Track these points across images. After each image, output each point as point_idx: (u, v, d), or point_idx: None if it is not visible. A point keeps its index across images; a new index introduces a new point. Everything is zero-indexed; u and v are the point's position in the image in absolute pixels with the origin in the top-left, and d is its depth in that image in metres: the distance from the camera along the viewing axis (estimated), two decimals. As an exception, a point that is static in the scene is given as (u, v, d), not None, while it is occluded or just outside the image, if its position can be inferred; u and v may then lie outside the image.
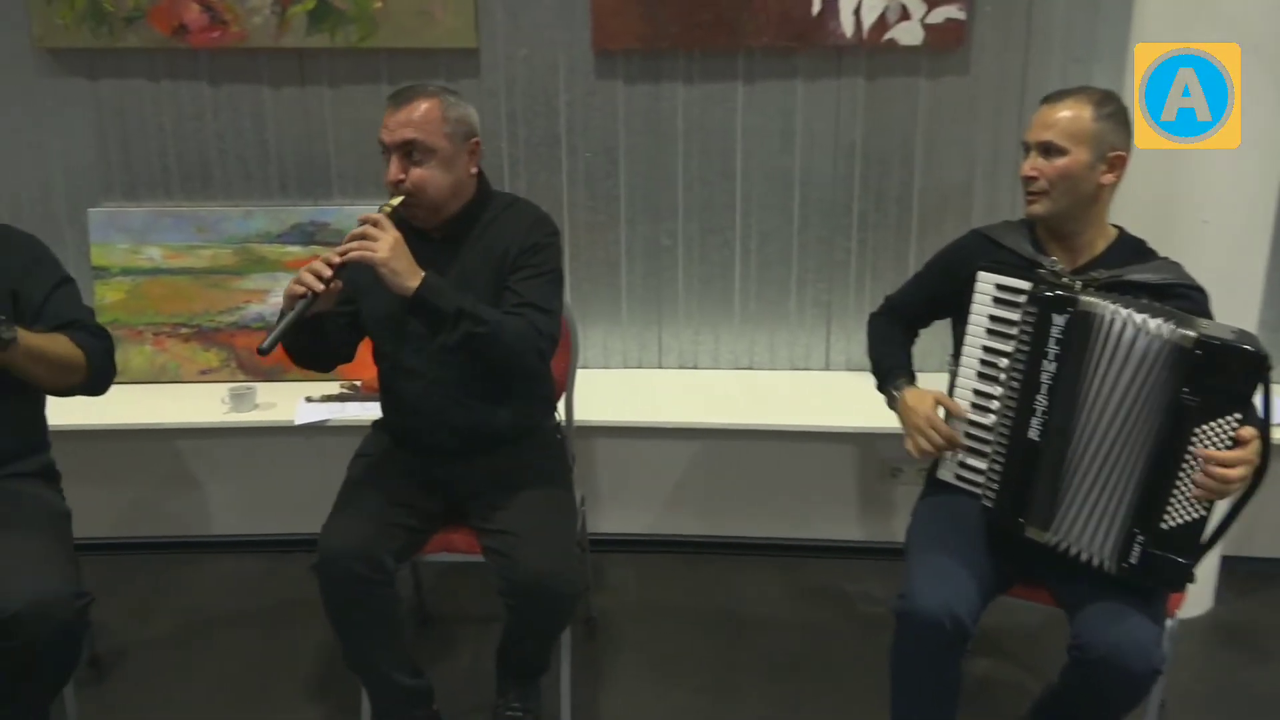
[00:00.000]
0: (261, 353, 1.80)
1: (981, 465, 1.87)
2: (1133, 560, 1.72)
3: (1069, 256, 1.93)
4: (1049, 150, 1.85)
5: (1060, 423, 1.76)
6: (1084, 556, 1.78)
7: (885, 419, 2.06)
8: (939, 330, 2.14)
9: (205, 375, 3.05)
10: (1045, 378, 1.76)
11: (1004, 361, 1.82)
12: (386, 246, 1.84)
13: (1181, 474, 1.67)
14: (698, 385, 3.06)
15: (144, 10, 2.87)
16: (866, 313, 2.24)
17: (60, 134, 3.02)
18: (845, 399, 2.91)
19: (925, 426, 1.90)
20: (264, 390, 2.90)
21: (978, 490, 1.88)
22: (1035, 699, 2.03)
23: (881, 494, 2.95)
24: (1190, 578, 1.72)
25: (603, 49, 2.90)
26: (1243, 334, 1.66)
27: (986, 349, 1.86)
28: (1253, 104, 2.28)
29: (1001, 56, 2.86)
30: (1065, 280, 1.81)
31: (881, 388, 2.07)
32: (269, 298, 3.02)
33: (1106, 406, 1.73)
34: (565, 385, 2.43)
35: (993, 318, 1.84)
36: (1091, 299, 1.72)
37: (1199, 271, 1.91)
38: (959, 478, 1.91)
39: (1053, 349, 1.74)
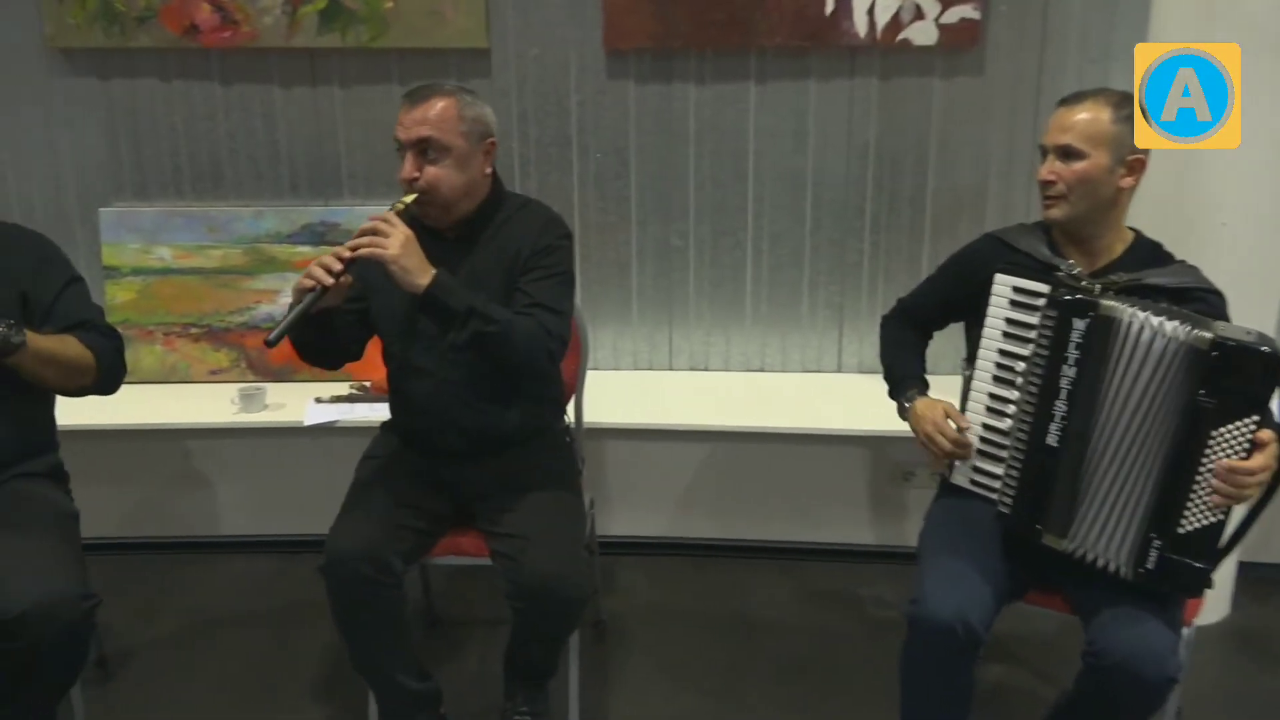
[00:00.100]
0: (268, 344, 1.80)
1: (997, 470, 1.85)
2: (1149, 566, 1.70)
3: (1086, 260, 1.91)
4: (1067, 154, 1.83)
5: (1079, 428, 1.74)
6: (1100, 563, 1.76)
7: (897, 422, 2.04)
8: (952, 333, 2.12)
9: (215, 375, 3.04)
10: (1065, 383, 1.73)
11: (1021, 365, 1.80)
12: (397, 243, 1.83)
13: (1199, 478, 1.65)
14: (708, 387, 3.04)
15: (155, 10, 2.87)
16: (879, 315, 2.22)
17: (72, 133, 3.02)
18: (857, 402, 2.88)
19: (935, 433, 1.88)
20: (273, 391, 2.89)
21: (993, 496, 1.86)
22: (1049, 706, 2.00)
23: (893, 497, 2.93)
24: (1208, 583, 1.70)
25: (614, 48, 2.89)
26: (1261, 336, 1.63)
27: (1003, 352, 1.83)
28: (1272, 105, 2.25)
29: (1016, 57, 2.84)
30: (1084, 284, 1.78)
31: (893, 396, 2.05)
32: (279, 298, 3.01)
33: (1124, 411, 1.70)
34: (575, 387, 2.42)
35: (1009, 321, 1.82)
36: (1112, 303, 1.70)
37: (1217, 274, 1.89)
38: (973, 482, 1.89)
39: (1073, 354, 1.72)
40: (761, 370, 3.14)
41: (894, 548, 2.93)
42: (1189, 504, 1.66)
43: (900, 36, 2.80)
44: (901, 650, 1.82)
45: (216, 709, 2.35)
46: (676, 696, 2.39)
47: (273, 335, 1.79)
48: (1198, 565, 1.68)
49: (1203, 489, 1.65)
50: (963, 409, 1.92)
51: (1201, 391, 1.61)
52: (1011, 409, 1.82)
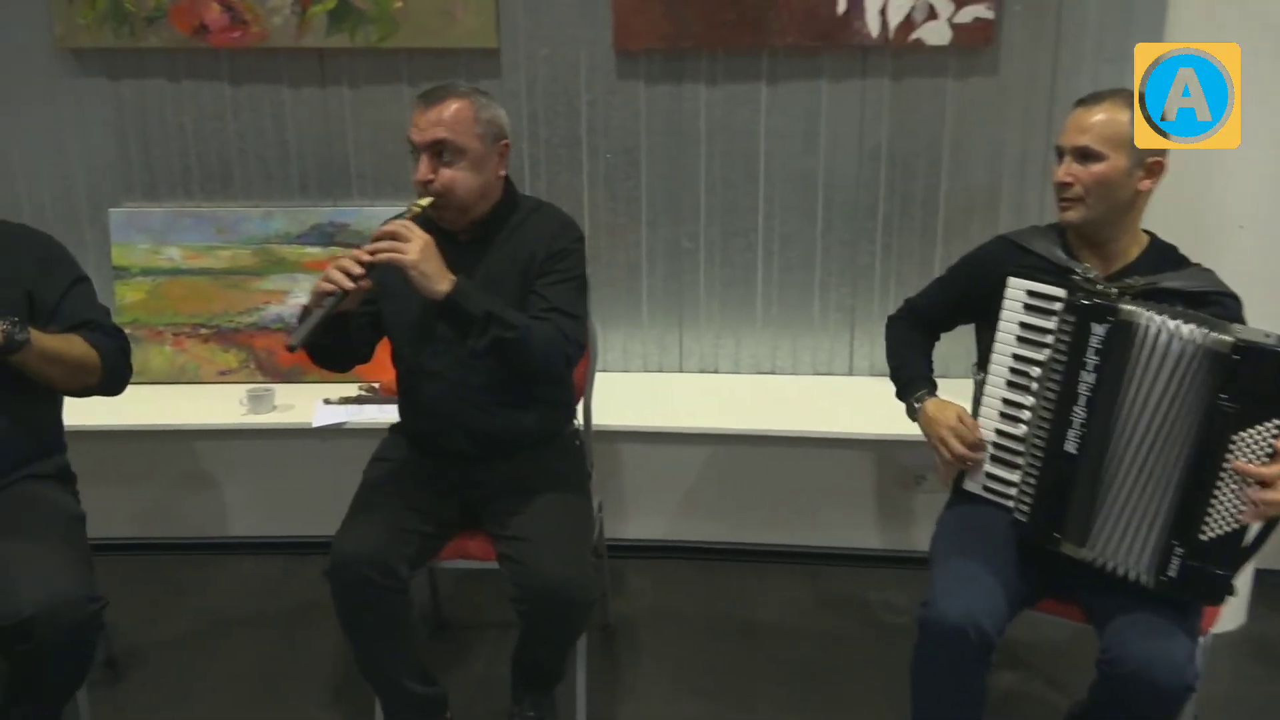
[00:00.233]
0: (290, 349, 1.80)
1: (1012, 477, 1.83)
2: (1171, 573, 1.67)
3: (1101, 263, 1.88)
4: (1085, 155, 1.80)
5: (1099, 435, 1.71)
6: (1120, 571, 1.73)
7: (908, 426, 2.02)
8: (964, 335, 2.09)
9: (224, 376, 3.04)
10: (1084, 389, 1.71)
11: (1036, 370, 1.78)
12: (417, 249, 1.82)
13: (1220, 483, 1.63)
14: (718, 390, 3.02)
15: (165, 10, 2.87)
16: (890, 317, 2.20)
17: (81, 134, 3.02)
18: (868, 405, 2.86)
19: (949, 437, 1.86)
20: (282, 392, 2.88)
21: (1008, 503, 1.83)
22: (1063, 715, 1.98)
23: (903, 502, 2.91)
24: (1230, 590, 1.68)
25: (624, 49, 2.87)
26: None
27: (1017, 357, 1.81)
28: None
29: (1031, 57, 2.81)
30: (1100, 288, 1.76)
31: (901, 397, 2.02)
32: (288, 299, 3.00)
33: (1143, 416, 1.68)
34: (584, 389, 2.41)
35: (1023, 325, 1.80)
36: (1132, 308, 1.68)
37: (1235, 278, 1.87)
38: (987, 489, 1.87)
39: (1091, 359, 1.70)
40: (772, 373, 3.11)
41: (904, 552, 2.91)
42: (1210, 511, 1.64)
43: (913, 36, 2.78)
44: (912, 654, 1.80)
45: (223, 711, 2.35)
46: (685, 701, 2.37)
47: (295, 340, 1.78)
48: (1220, 572, 1.65)
49: (1224, 495, 1.63)
50: (975, 414, 1.90)
51: (1223, 395, 1.59)
52: (1026, 414, 1.80)
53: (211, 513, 3.00)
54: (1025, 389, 1.80)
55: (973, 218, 2.92)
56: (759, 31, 2.80)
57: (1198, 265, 1.88)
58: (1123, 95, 1.81)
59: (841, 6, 2.76)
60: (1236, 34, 2.22)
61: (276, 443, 2.88)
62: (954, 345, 2.18)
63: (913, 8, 2.75)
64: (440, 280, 1.83)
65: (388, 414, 2.50)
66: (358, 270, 1.79)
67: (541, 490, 2.03)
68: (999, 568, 1.79)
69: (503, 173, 2.04)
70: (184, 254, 3.01)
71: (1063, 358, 1.73)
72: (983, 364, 1.93)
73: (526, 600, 1.89)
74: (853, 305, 3.03)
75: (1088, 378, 1.70)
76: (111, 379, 1.96)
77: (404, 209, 2.10)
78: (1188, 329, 1.63)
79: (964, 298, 2.04)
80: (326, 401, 2.83)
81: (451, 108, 1.92)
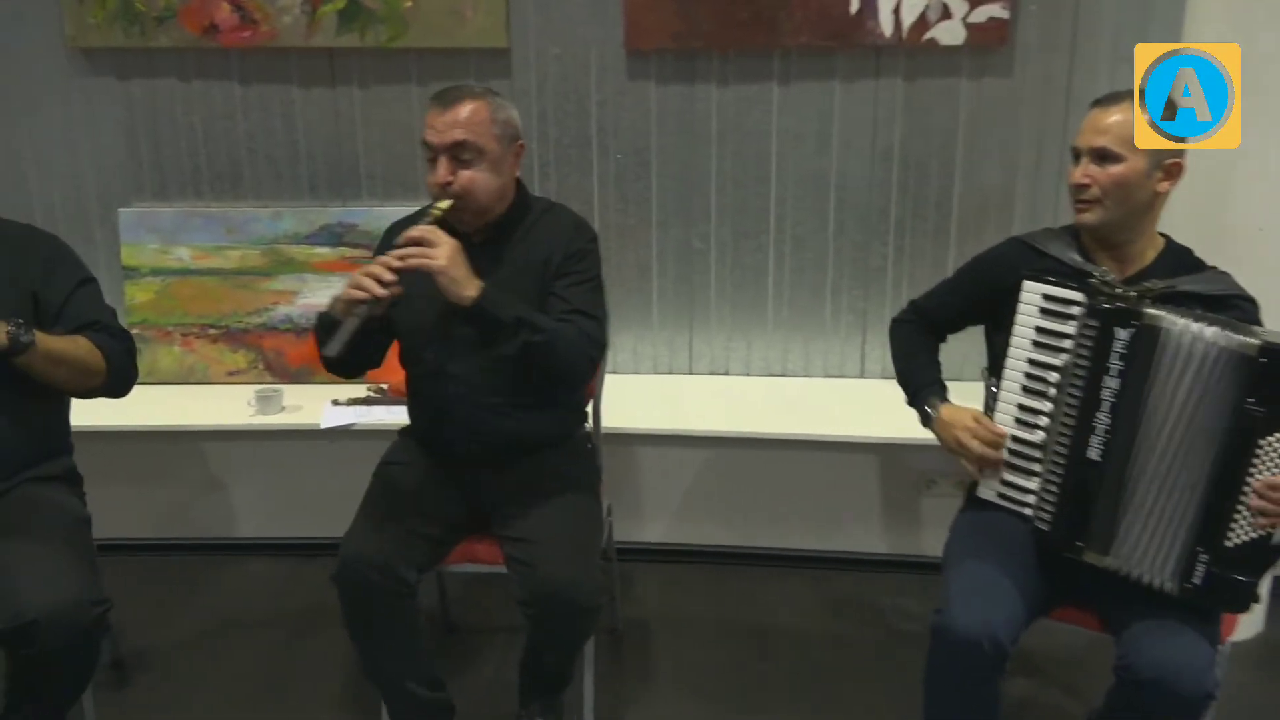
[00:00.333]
0: (330, 358, 1.80)
1: (1028, 484, 1.80)
2: (1196, 580, 1.65)
3: (1117, 266, 1.85)
4: (1103, 157, 1.77)
5: (1123, 442, 1.68)
6: (1144, 579, 1.71)
7: (919, 429, 1.99)
8: (977, 339, 2.06)
9: (233, 376, 3.03)
10: (1107, 394, 1.68)
11: (1053, 376, 1.75)
12: (446, 254, 1.81)
13: (1246, 489, 1.60)
14: (729, 392, 3.00)
15: (175, 10, 2.86)
16: (903, 321, 2.17)
17: (91, 133, 3.01)
18: (879, 408, 2.83)
19: (967, 438, 1.83)
20: (291, 393, 2.87)
21: (1025, 511, 1.80)
22: (1078, 724, 1.96)
23: (914, 506, 2.88)
24: (1255, 598, 1.66)
25: (635, 48, 2.85)
26: None
27: (1032, 362, 1.78)
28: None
29: (1046, 56, 2.77)
30: (1119, 291, 1.73)
31: (913, 404, 1.99)
32: (297, 299, 3.00)
33: (1167, 422, 1.66)
34: (595, 392, 2.39)
35: (1039, 329, 1.77)
36: (1157, 311, 1.65)
37: (1254, 280, 1.84)
38: (1002, 496, 1.84)
39: (1116, 364, 1.67)
40: (783, 375, 3.09)
41: (915, 557, 2.88)
42: (1236, 517, 1.62)
43: (926, 36, 2.75)
44: (925, 662, 1.78)
45: (228, 713, 2.34)
46: (693, 706, 2.35)
47: (335, 349, 1.77)
48: (1245, 579, 1.63)
49: (1250, 500, 1.60)
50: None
51: (1250, 400, 1.57)
52: (1044, 421, 1.77)
53: (219, 514, 2.99)
54: (1042, 394, 1.77)
55: (986, 220, 2.89)
56: (771, 31, 2.78)
57: (1214, 268, 1.85)
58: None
59: (854, 6, 2.74)
60: (1258, 33, 2.19)
61: (285, 444, 2.87)
62: (968, 348, 2.15)
63: (926, 7, 2.72)
64: (468, 286, 1.82)
65: (396, 415, 2.49)
66: (390, 277, 1.78)
67: (551, 493, 2.02)
68: (1015, 575, 1.77)
69: (517, 173, 2.03)
70: (193, 254, 3.00)
71: (1085, 363, 1.70)
72: (994, 368, 1.90)
73: (533, 603, 1.88)
74: (865, 308, 3.01)
75: (1111, 383, 1.68)
76: (116, 380, 1.95)
77: (414, 211, 2.10)
78: (1211, 332, 1.61)
79: (975, 300, 2.01)
80: (335, 403, 2.81)
81: (469, 108, 1.91)
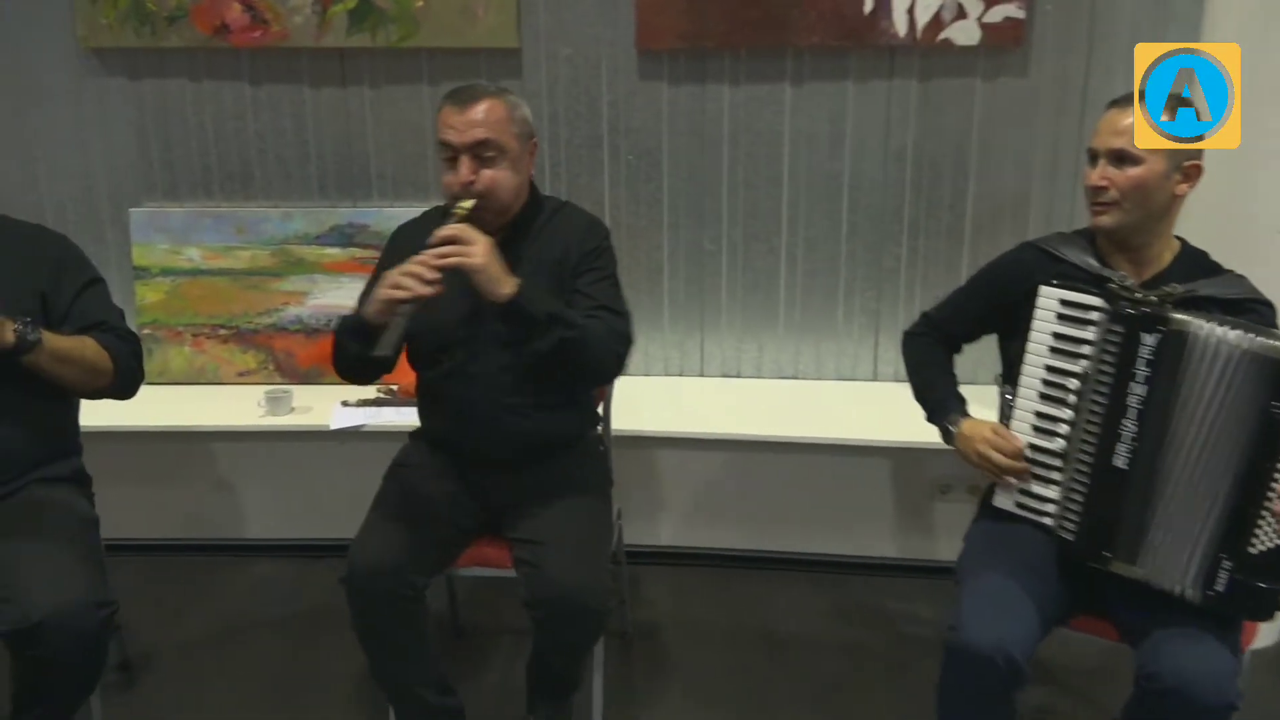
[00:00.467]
0: (383, 360, 1.77)
1: (1048, 493, 1.77)
2: (1219, 588, 1.63)
3: (1134, 270, 1.83)
4: (1121, 158, 1.75)
5: (1150, 449, 1.66)
6: (1167, 587, 1.68)
7: (933, 433, 1.96)
8: (988, 342, 2.04)
9: (243, 377, 3.03)
10: (1134, 401, 1.66)
11: (1072, 383, 1.72)
12: (483, 252, 1.80)
13: (1270, 494, 1.58)
14: (740, 394, 2.98)
15: (186, 10, 2.86)
16: (916, 323, 2.14)
17: (103, 133, 3.02)
18: (892, 411, 2.81)
19: (989, 451, 1.80)
20: (300, 393, 2.87)
21: (1047, 521, 1.78)
22: (1095, 734, 1.93)
23: (926, 511, 2.85)
24: (1279, 605, 1.62)
25: (646, 48, 2.83)
26: None
27: (1050, 369, 1.75)
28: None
29: (1062, 57, 2.75)
30: (1140, 296, 1.70)
31: (933, 420, 1.96)
32: (307, 300, 2.99)
33: (1191, 427, 1.63)
34: (605, 393, 2.37)
35: (1057, 335, 1.74)
36: (1183, 316, 1.62)
37: (1271, 283, 1.81)
38: (1021, 505, 1.81)
39: (1142, 370, 1.64)
40: (795, 378, 3.07)
41: (928, 562, 2.86)
42: (1260, 523, 1.59)
43: (941, 36, 2.73)
44: (939, 677, 1.75)
45: (236, 715, 2.33)
46: (703, 711, 2.33)
47: (388, 350, 1.74)
48: (1269, 587, 1.60)
49: (1275, 506, 1.58)
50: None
51: (1275, 403, 1.55)
52: (1064, 428, 1.74)
53: (228, 514, 2.99)
54: (1061, 402, 1.75)
55: (1001, 222, 2.87)
56: (783, 31, 2.76)
57: (1230, 271, 1.83)
58: (1160, 96, 1.76)
59: (868, 5, 2.72)
60: (1276, 34, 2.17)
61: (294, 445, 2.86)
62: (981, 351, 2.12)
63: (941, 7, 2.70)
64: (505, 283, 1.81)
65: (406, 417, 2.48)
66: (433, 275, 1.76)
67: (562, 495, 2.00)
68: (1032, 587, 1.73)
69: (532, 171, 2.03)
70: (204, 254, 3.00)
71: (1109, 369, 1.67)
72: (1008, 375, 1.87)
73: (540, 605, 1.86)
74: (877, 310, 2.98)
75: (1138, 389, 1.65)
76: (123, 381, 1.94)
77: (419, 214, 2.09)
78: (1235, 335, 1.58)
79: (989, 309, 1.98)
80: (345, 404, 2.81)
81: (487, 106, 1.90)
